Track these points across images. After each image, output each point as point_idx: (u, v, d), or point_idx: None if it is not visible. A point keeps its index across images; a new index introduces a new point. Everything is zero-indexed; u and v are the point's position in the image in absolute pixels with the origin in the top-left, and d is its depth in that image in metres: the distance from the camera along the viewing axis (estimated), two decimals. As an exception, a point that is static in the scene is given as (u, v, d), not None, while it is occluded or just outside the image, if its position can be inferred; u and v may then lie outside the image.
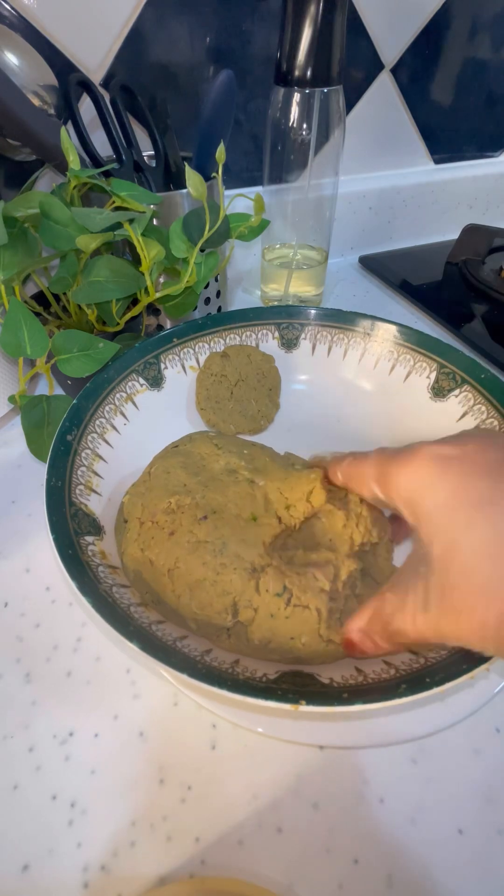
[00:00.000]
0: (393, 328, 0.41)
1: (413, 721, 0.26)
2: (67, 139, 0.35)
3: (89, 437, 0.33)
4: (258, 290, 0.59)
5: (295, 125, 0.44)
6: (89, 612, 0.24)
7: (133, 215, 0.34)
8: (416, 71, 0.60)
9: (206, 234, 0.37)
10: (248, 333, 0.42)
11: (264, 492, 0.30)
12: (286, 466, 0.32)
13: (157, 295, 0.38)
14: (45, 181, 0.49)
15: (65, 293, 0.36)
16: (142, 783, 0.24)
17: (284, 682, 0.22)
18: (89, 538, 0.28)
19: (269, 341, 0.43)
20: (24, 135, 0.36)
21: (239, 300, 0.60)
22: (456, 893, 0.22)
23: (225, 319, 0.42)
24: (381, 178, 0.66)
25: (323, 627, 0.25)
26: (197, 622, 0.26)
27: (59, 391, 0.43)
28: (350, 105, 0.59)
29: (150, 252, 0.35)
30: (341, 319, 0.42)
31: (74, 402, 0.34)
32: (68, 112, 0.41)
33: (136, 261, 0.37)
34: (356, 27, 0.54)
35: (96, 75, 0.47)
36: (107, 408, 0.36)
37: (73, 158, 0.35)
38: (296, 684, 0.22)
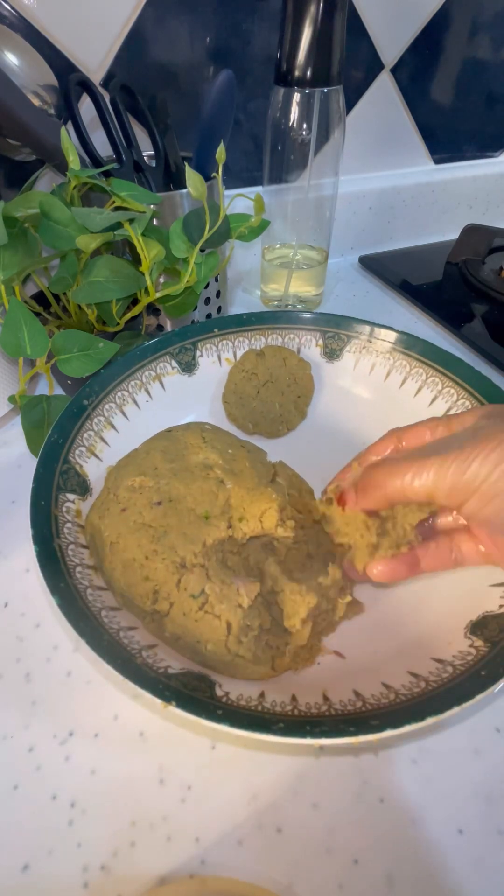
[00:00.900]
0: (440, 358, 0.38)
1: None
2: (67, 139, 0.35)
3: (106, 406, 0.35)
4: (258, 290, 0.59)
5: (295, 125, 0.44)
6: (39, 563, 0.25)
7: (133, 215, 0.34)
8: (416, 71, 0.60)
9: (206, 234, 0.37)
10: (292, 336, 0.42)
11: (228, 495, 0.30)
12: (263, 477, 0.32)
13: (157, 295, 0.38)
14: (45, 181, 0.49)
15: (65, 293, 0.36)
16: (142, 783, 0.24)
17: (178, 680, 0.23)
18: (71, 496, 0.30)
19: (311, 348, 0.42)
20: (24, 135, 0.36)
21: (239, 300, 0.60)
22: (456, 893, 0.22)
23: (269, 318, 0.42)
24: (381, 178, 0.66)
25: (232, 641, 0.25)
26: (124, 598, 0.27)
27: (59, 391, 0.43)
28: (350, 105, 0.59)
29: (150, 252, 0.35)
30: (402, 343, 0.40)
31: (101, 369, 0.35)
32: (68, 112, 0.41)
33: (136, 261, 0.37)
34: (356, 27, 0.54)
35: (96, 75, 0.47)
36: (132, 382, 0.37)
37: (73, 158, 0.35)
38: (187, 686, 0.22)
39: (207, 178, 0.42)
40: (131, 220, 0.34)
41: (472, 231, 0.65)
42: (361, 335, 0.41)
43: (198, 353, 0.40)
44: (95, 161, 0.42)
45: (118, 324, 0.39)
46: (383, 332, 0.40)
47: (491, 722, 0.26)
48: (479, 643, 0.25)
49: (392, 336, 0.40)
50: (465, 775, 0.25)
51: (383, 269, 0.65)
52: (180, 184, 0.47)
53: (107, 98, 0.43)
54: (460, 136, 0.69)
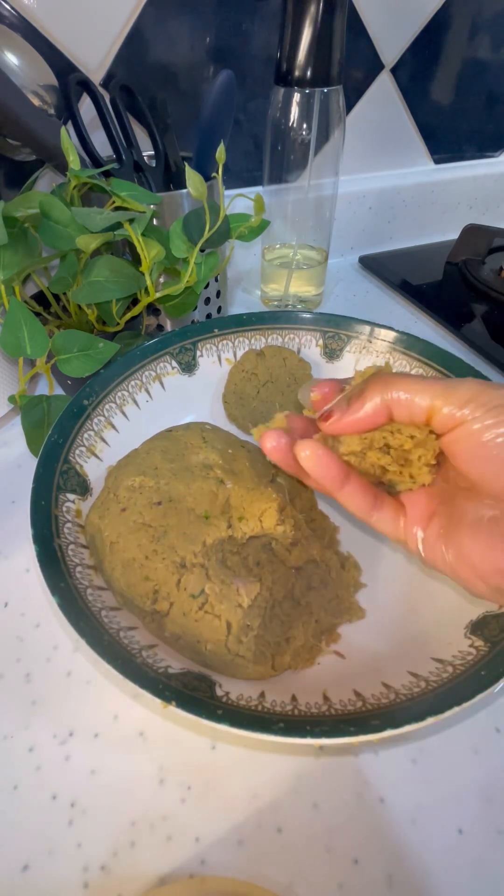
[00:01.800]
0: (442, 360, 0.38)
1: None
2: (67, 139, 0.35)
3: (106, 406, 0.35)
4: (258, 290, 0.59)
5: (295, 125, 0.44)
6: (40, 563, 0.25)
7: (133, 215, 0.34)
8: (416, 71, 0.60)
9: (206, 234, 0.37)
10: (292, 336, 0.42)
11: (227, 495, 0.30)
12: (263, 476, 0.32)
13: (157, 295, 0.38)
14: (45, 181, 0.49)
15: (65, 293, 0.36)
16: (142, 783, 0.24)
17: (178, 680, 0.23)
18: (71, 496, 0.30)
19: (311, 348, 0.42)
20: (24, 135, 0.36)
21: (239, 300, 0.60)
22: (456, 893, 0.22)
23: (268, 318, 0.42)
24: (381, 178, 0.66)
25: (232, 641, 0.25)
26: (123, 598, 0.27)
27: (59, 391, 0.43)
28: (350, 105, 0.59)
29: (150, 252, 0.35)
30: (402, 343, 0.39)
31: (101, 369, 0.35)
32: (68, 112, 0.41)
33: (136, 261, 0.37)
34: (356, 27, 0.54)
35: (96, 75, 0.47)
36: (132, 382, 0.37)
37: (73, 158, 0.35)
38: (187, 686, 0.22)
39: (207, 178, 0.42)
40: (131, 220, 0.34)
41: (472, 231, 0.65)
42: (361, 335, 0.41)
43: (198, 353, 0.40)
44: (95, 161, 0.42)
45: (118, 324, 0.39)
46: (383, 332, 0.40)
47: (491, 722, 0.26)
48: (479, 643, 0.25)
49: (392, 336, 0.40)
50: (465, 775, 0.25)
51: (383, 269, 0.65)
52: (180, 184, 0.47)
53: (107, 98, 0.43)
54: (460, 136, 0.69)
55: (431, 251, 0.69)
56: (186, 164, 0.36)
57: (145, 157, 0.45)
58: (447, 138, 0.68)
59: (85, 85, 0.42)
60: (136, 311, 0.39)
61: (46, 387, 0.45)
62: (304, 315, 0.42)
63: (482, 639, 0.25)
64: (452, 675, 0.23)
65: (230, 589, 0.26)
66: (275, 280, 0.55)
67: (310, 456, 0.24)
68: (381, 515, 0.25)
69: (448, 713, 0.21)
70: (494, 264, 0.64)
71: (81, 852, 0.22)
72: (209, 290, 0.49)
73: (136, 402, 0.37)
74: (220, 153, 0.37)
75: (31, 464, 0.39)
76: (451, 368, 0.37)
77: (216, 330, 0.41)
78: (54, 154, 0.37)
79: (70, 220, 0.34)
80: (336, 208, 0.52)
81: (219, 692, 0.23)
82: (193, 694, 0.22)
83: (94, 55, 0.46)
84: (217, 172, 0.39)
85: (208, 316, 0.51)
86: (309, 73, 0.40)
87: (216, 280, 0.49)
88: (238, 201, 0.50)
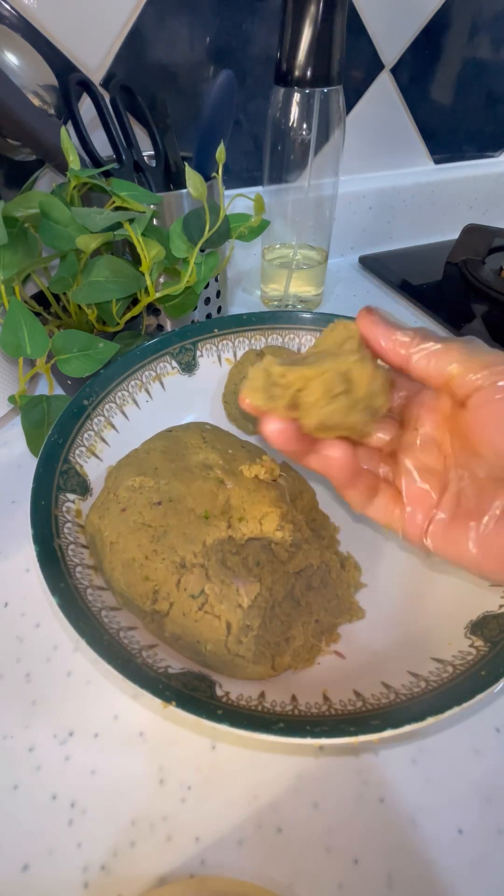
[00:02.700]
0: None
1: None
2: (67, 139, 0.35)
3: (106, 406, 0.35)
4: (258, 290, 0.59)
5: (295, 125, 0.44)
6: (40, 563, 0.25)
7: (133, 215, 0.34)
8: (416, 71, 0.60)
9: (206, 234, 0.37)
10: (292, 336, 0.42)
11: (228, 495, 0.30)
12: (264, 477, 0.32)
13: (157, 295, 0.38)
14: (45, 181, 0.49)
15: (65, 293, 0.36)
16: (142, 783, 0.24)
17: (178, 680, 0.23)
18: (71, 496, 0.30)
19: None
20: (24, 135, 0.36)
21: (239, 300, 0.60)
22: (456, 893, 0.22)
23: (269, 318, 0.42)
24: (381, 178, 0.66)
25: (232, 641, 0.25)
26: (123, 598, 0.27)
27: (59, 391, 0.43)
28: (350, 105, 0.59)
29: (150, 252, 0.35)
30: None
31: (101, 369, 0.35)
32: (68, 112, 0.41)
33: (136, 261, 0.37)
34: (356, 27, 0.54)
35: (96, 75, 0.47)
36: (132, 382, 0.37)
37: (73, 158, 0.35)
38: (187, 686, 0.22)
39: (207, 178, 0.42)
40: (131, 220, 0.34)
41: (472, 231, 0.65)
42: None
43: (198, 353, 0.40)
44: (95, 161, 0.42)
45: (118, 324, 0.39)
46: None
47: (491, 722, 0.26)
48: (479, 643, 0.25)
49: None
50: (464, 775, 0.25)
51: (383, 269, 0.65)
52: (180, 184, 0.47)
53: (107, 98, 0.43)
54: (460, 136, 0.69)
55: (431, 251, 0.69)
56: (186, 164, 0.36)
57: (145, 157, 0.45)
58: (447, 138, 0.68)
59: (85, 85, 0.42)
60: (136, 311, 0.39)
61: (46, 387, 0.45)
62: (304, 315, 0.42)
63: (482, 639, 0.25)
64: (452, 675, 0.23)
65: (230, 589, 0.26)
66: (275, 280, 0.55)
67: (276, 441, 0.23)
68: (374, 501, 0.25)
69: (448, 713, 0.21)
70: (494, 264, 0.64)
71: (81, 852, 0.22)
72: (209, 290, 0.49)
73: (136, 402, 0.37)
74: (220, 153, 0.37)
75: (31, 464, 0.39)
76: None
77: (216, 330, 0.41)
78: (54, 154, 0.37)
79: (70, 220, 0.34)
80: (336, 208, 0.52)
81: (219, 692, 0.23)
82: (193, 694, 0.22)
83: (94, 55, 0.46)
84: (217, 172, 0.39)
85: (208, 316, 0.51)
86: (309, 73, 0.40)
87: (216, 280, 0.49)
88: (238, 201, 0.50)
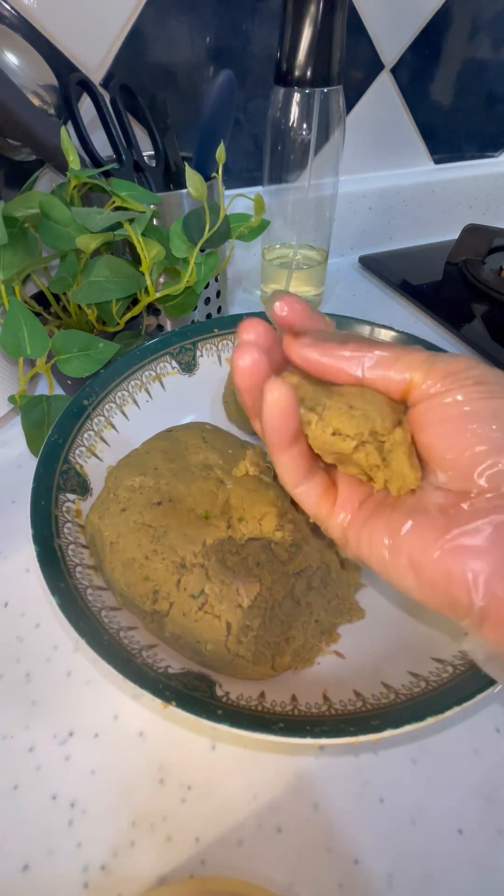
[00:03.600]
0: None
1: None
2: (67, 139, 0.35)
3: (106, 406, 0.35)
4: (258, 290, 0.59)
5: (295, 125, 0.44)
6: (40, 563, 0.25)
7: (133, 215, 0.34)
8: (416, 71, 0.60)
9: (206, 234, 0.37)
10: None
11: (227, 495, 0.30)
12: (264, 478, 0.32)
13: (157, 295, 0.38)
14: (45, 181, 0.49)
15: (65, 293, 0.36)
16: (142, 783, 0.24)
17: (178, 680, 0.23)
18: (71, 496, 0.30)
19: None
20: (24, 135, 0.36)
21: (239, 300, 0.60)
22: (456, 893, 0.22)
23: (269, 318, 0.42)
24: (381, 178, 0.66)
25: (232, 641, 0.25)
26: (123, 598, 0.27)
27: (59, 391, 0.43)
28: (350, 105, 0.59)
29: (150, 252, 0.35)
30: (402, 344, 0.38)
31: (101, 369, 0.35)
32: (68, 112, 0.41)
33: (136, 261, 0.37)
34: (356, 27, 0.54)
35: (96, 75, 0.47)
36: (132, 382, 0.37)
37: (73, 158, 0.35)
38: (187, 686, 0.22)
39: (207, 178, 0.42)
40: (131, 220, 0.34)
41: (472, 231, 0.65)
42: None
43: (198, 353, 0.40)
44: (95, 161, 0.42)
45: (118, 324, 0.39)
46: (383, 333, 0.40)
47: (491, 722, 0.26)
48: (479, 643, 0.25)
49: (392, 336, 0.40)
50: (464, 775, 0.25)
51: (383, 269, 0.65)
52: (180, 184, 0.47)
53: (107, 98, 0.43)
54: (460, 136, 0.69)
55: (431, 251, 0.69)
56: (186, 164, 0.36)
57: (145, 157, 0.45)
58: (447, 138, 0.68)
59: (85, 85, 0.42)
60: (136, 311, 0.39)
61: (46, 387, 0.45)
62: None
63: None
64: (452, 675, 0.23)
65: (230, 589, 0.26)
66: (275, 280, 0.55)
67: (278, 400, 0.19)
68: (307, 487, 0.22)
69: (448, 713, 0.21)
70: (494, 264, 0.64)
71: (81, 852, 0.22)
72: (209, 290, 0.49)
73: (136, 402, 0.37)
74: (220, 153, 0.37)
75: (31, 464, 0.39)
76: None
77: (216, 330, 0.41)
78: (54, 154, 0.37)
79: (70, 220, 0.34)
80: (336, 208, 0.52)
81: (219, 692, 0.23)
82: (193, 694, 0.22)
83: (94, 55, 0.46)
84: (217, 172, 0.39)
85: (208, 316, 0.51)
86: (309, 73, 0.40)
87: (216, 280, 0.49)
88: (238, 201, 0.50)
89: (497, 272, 0.63)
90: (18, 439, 0.41)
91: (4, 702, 0.27)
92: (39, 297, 0.41)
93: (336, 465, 0.22)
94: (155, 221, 0.41)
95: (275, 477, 0.32)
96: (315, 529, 0.32)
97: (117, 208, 0.36)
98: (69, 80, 0.41)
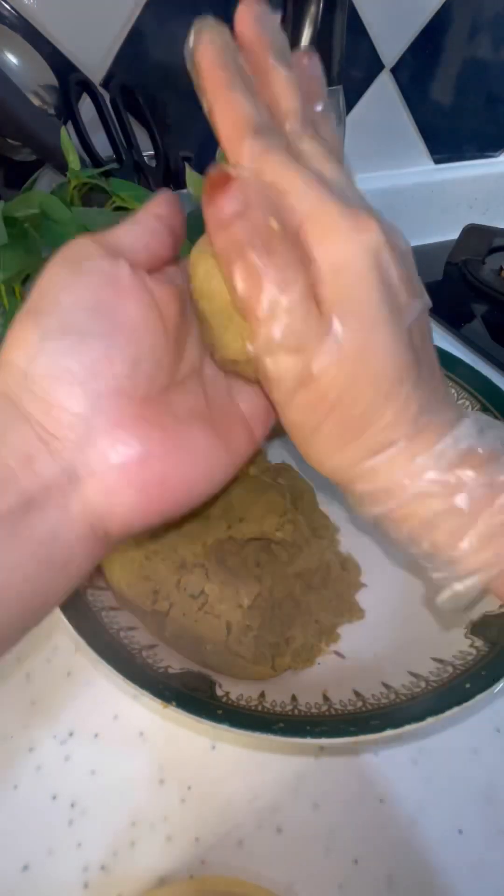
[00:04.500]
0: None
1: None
2: (67, 139, 0.35)
3: None
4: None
5: (295, 125, 0.44)
6: None
7: (133, 215, 0.34)
8: (416, 71, 0.60)
9: (206, 234, 0.37)
10: None
11: (228, 496, 0.30)
12: (264, 478, 0.32)
13: (157, 295, 0.38)
14: (45, 181, 0.49)
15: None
16: (142, 783, 0.24)
17: (178, 680, 0.23)
18: None
19: None
20: (24, 135, 0.36)
21: (239, 300, 0.60)
22: (456, 893, 0.22)
23: None
24: (381, 178, 0.66)
25: (232, 641, 0.25)
26: (124, 598, 0.27)
27: (59, 391, 0.43)
28: (350, 105, 0.59)
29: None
30: None
31: None
32: (68, 112, 0.41)
33: (136, 261, 0.37)
34: (356, 27, 0.54)
35: (96, 75, 0.46)
36: None
37: (73, 158, 0.35)
38: (187, 686, 0.22)
39: (207, 178, 0.42)
40: (131, 220, 0.34)
41: (472, 231, 0.65)
42: None
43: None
44: (95, 161, 0.42)
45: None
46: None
47: (491, 722, 0.26)
48: (479, 643, 0.25)
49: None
50: (465, 775, 0.25)
51: (383, 269, 0.65)
52: (180, 184, 0.47)
53: (107, 98, 0.43)
54: (460, 136, 0.69)
55: (431, 251, 0.69)
56: (186, 164, 0.36)
57: (145, 157, 0.45)
58: (447, 138, 0.68)
59: (85, 85, 0.42)
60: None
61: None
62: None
63: (482, 639, 0.25)
64: (452, 675, 0.23)
65: (230, 589, 0.26)
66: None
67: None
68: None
69: (448, 713, 0.21)
70: (494, 264, 0.64)
71: (81, 852, 0.22)
72: (209, 290, 0.49)
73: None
74: (221, 153, 0.37)
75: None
76: (452, 369, 0.37)
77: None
78: (54, 154, 0.37)
79: (70, 220, 0.33)
80: (336, 208, 0.52)
81: (219, 692, 0.23)
82: (193, 694, 0.22)
83: (94, 55, 0.46)
84: (217, 172, 0.39)
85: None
86: (309, 73, 0.40)
87: (216, 280, 0.49)
88: (238, 201, 0.50)
89: (497, 272, 0.63)
90: (18, 439, 0.41)
91: (4, 702, 0.27)
92: (39, 297, 0.41)
93: None
94: (155, 221, 0.41)
95: (275, 477, 0.32)
96: (315, 530, 0.32)
97: (117, 208, 0.36)
98: (69, 80, 0.41)
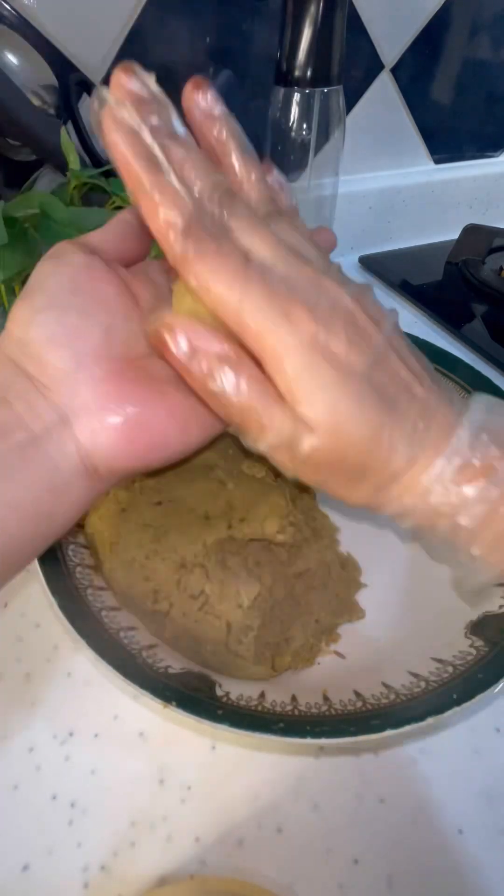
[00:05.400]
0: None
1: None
2: (67, 139, 0.35)
3: None
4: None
5: (295, 125, 0.44)
6: (39, 563, 0.25)
7: (133, 215, 0.34)
8: (416, 71, 0.60)
9: (206, 234, 0.37)
10: None
11: (229, 496, 0.30)
12: (265, 479, 0.32)
13: (157, 295, 0.38)
14: (45, 181, 0.49)
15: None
16: (142, 783, 0.24)
17: (178, 680, 0.23)
18: None
19: None
20: (24, 135, 0.36)
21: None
22: (456, 893, 0.22)
23: None
24: (381, 178, 0.66)
25: (232, 641, 0.25)
26: (123, 599, 0.27)
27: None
28: (350, 105, 0.59)
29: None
30: None
31: None
32: (68, 112, 0.41)
33: (136, 261, 0.37)
34: (356, 27, 0.54)
35: (96, 75, 0.46)
36: None
37: (73, 158, 0.35)
38: (187, 686, 0.22)
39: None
40: (131, 220, 0.34)
41: (472, 231, 0.65)
42: None
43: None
44: (95, 161, 0.42)
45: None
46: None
47: (491, 722, 0.26)
48: (479, 643, 0.25)
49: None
50: (465, 775, 0.25)
51: (383, 269, 0.65)
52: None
53: (107, 98, 0.43)
54: (460, 136, 0.69)
55: (431, 251, 0.69)
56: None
57: (145, 157, 0.45)
58: (447, 138, 0.68)
59: (85, 85, 0.42)
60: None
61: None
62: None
63: (482, 639, 0.25)
64: (452, 675, 0.23)
65: (230, 589, 0.26)
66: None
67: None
68: None
69: (448, 713, 0.21)
70: (494, 264, 0.64)
71: (81, 852, 0.22)
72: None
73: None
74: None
75: (31, 464, 0.39)
76: (452, 369, 0.37)
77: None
78: (54, 154, 0.37)
79: (70, 220, 0.34)
80: (336, 208, 0.52)
81: (219, 692, 0.23)
82: (193, 694, 0.22)
83: (94, 55, 0.46)
84: (217, 172, 0.39)
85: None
86: (309, 73, 0.40)
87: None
88: (238, 201, 0.50)
89: (497, 272, 0.63)
90: (18, 439, 0.41)
91: (4, 702, 0.27)
92: (39, 297, 0.41)
93: None
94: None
95: (276, 478, 0.32)
96: (315, 530, 0.32)
97: (117, 208, 0.36)
98: (69, 80, 0.41)
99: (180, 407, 0.20)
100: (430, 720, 0.21)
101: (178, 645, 0.25)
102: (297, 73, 0.40)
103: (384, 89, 0.60)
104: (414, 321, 0.57)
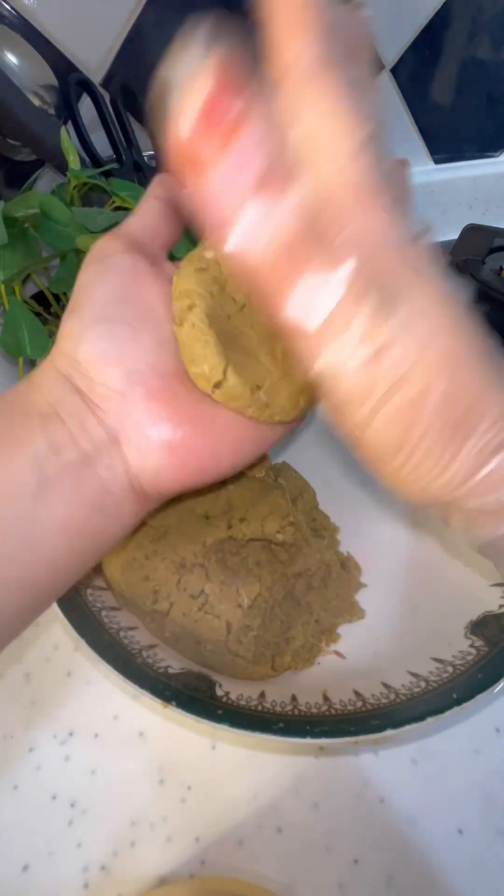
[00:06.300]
0: None
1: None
2: (67, 139, 0.35)
3: None
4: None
5: (295, 125, 0.44)
6: None
7: (133, 215, 0.34)
8: (416, 71, 0.60)
9: (206, 234, 0.37)
10: None
11: (229, 496, 0.30)
12: (265, 477, 0.32)
13: (157, 295, 0.38)
14: (45, 181, 0.49)
15: (65, 293, 0.36)
16: (142, 783, 0.24)
17: (178, 680, 0.23)
18: None
19: None
20: (24, 135, 0.36)
21: (239, 300, 0.60)
22: (456, 893, 0.22)
23: None
24: (381, 178, 0.66)
25: (232, 641, 0.25)
26: (123, 598, 0.27)
27: (59, 391, 0.43)
28: (350, 105, 0.59)
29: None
30: None
31: None
32: (68, 112, 0.41)
33: (136, 261, 0.37)
34: (356, 27, 0.54)
35: (96, 75, 0.46)
36: None
37: (73, 158, 0.35)
38: (187, 686, 0.22)
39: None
40: (131, 220, 0.34)
41: (472, 231, 0.65)
42: None
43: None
44: (95, 161, 0.42)
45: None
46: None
47: (491, 722, 0.26)
48: (479, 643, 0.25)
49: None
50: (464, 775, 0.25)
51: (383, 269, 0.65)
52: (180, 184, 0.47)
53: (107, 98, 0.43)
54: (460, 136, 0.69)
55: (431, 251, 0.69)
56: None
57: (145, 157, 0.45)
58: (447, 138, 0.68)
59: (85, 85, 0.42)
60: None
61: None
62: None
63: (482, 639, 0.25)
64: (452, 675, 0.23)
65: (230, 589, 0.26)
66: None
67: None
68: None
69: (448, 713, 0.21)
70: (494, 264, 0.64)
71: (81, 852, 0.22)
72: (209, 290, 0.49)
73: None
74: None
75: (31, 464, 0.39)
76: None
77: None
78: (54, 154, 0.37)
79: (70, 220, 0.34)
80: (336, 208, 0.52)
81: (219, 692, 0.23)
82: (193, 694, 0.22)
83: (94, 55, 0.46)
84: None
85: (208, 316, 0.51)
86: (309, 73, 0.40)
87: (216, 280, 0.49)
88: (238, 201, 0.50)
89: (497, 272, 0.63)
90: (18, 439, 0.41)
91: (4, 702, 0.27)
92: (39, 297, 0.41)
93: None
94: (155, 221, 0.41)
95: (276, 477, 0.32)
96: (315, 530, 0.32)
97: (117, 208, 0.36)
98: (69, 80, 0.41)
99: (232, 423, 0.20)
100: (429, 720, 0.21)
101: (178, 645, 0.25)
102: (297, 73, 0.40)
103: (384, 89, 0.60)
104: (414, 321, 0.57)
